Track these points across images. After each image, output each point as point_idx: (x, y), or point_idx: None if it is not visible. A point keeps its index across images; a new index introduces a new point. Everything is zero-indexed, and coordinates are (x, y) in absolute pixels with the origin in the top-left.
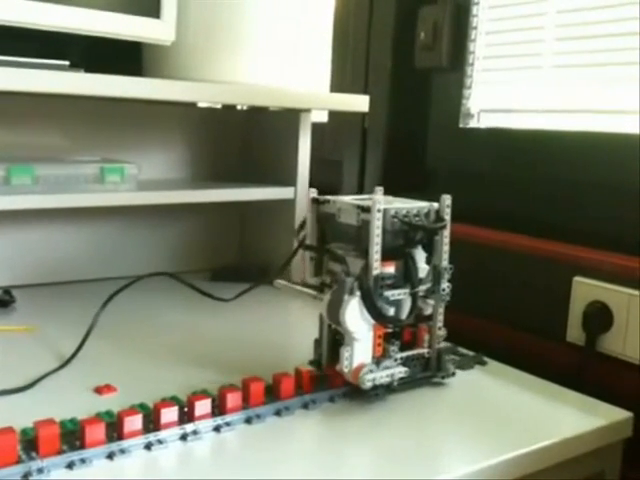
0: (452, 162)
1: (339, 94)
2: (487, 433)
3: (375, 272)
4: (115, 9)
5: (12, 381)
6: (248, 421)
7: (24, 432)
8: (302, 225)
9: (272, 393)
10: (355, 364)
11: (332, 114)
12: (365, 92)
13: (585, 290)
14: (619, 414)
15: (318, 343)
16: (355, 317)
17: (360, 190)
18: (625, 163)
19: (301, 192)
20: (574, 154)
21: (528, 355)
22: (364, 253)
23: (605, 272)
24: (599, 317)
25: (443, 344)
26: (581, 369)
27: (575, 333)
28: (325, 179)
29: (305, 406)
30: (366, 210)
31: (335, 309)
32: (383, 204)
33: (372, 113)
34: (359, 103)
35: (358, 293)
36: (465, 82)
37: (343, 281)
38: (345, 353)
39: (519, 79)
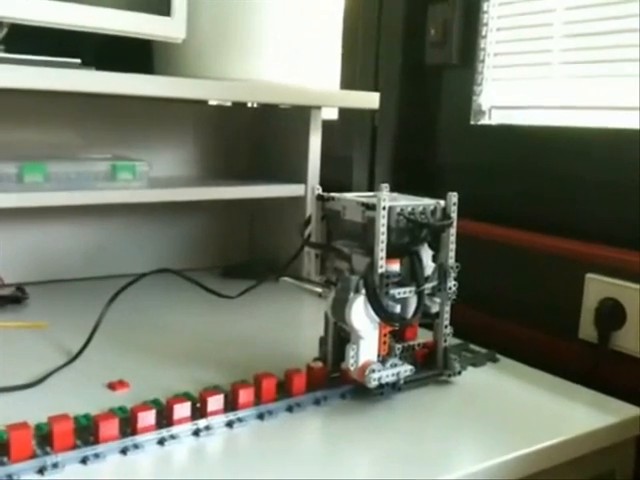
0: (463, 159)
1: (349, 91)
2: (497, 430)
3: (380, 270)
4: (126, 7)
5: (26, 377)
6: (260, 417)
7: (38, 427)
8: (307, 222)
9: (284, 389)
10: (361, 362)
11: (342, 111)
12: (375, 89)
13: (597, 287)
14: (631, 411)
15: (323, 341)
16: (360, 315)
17: (370, 187)
18: (638, 159)
19: (311, 189)
20: (586, 150)
21: (540, 352)
22: (369, 251)
23: (618, 269)
24: (612, 314)
25: (455, 341)
26: (594, 366)
27: (588, 330)
28: (335, 176)
29: (317, 402)
30: (371, 207)
31: (340, 307)
32: (388, 201)
33: (382, 110)
34: (369, 100)
35: (363, 291)
36: (476, 79)
37: (348, 279)
38: (351, 351)
39: (530, 75)
